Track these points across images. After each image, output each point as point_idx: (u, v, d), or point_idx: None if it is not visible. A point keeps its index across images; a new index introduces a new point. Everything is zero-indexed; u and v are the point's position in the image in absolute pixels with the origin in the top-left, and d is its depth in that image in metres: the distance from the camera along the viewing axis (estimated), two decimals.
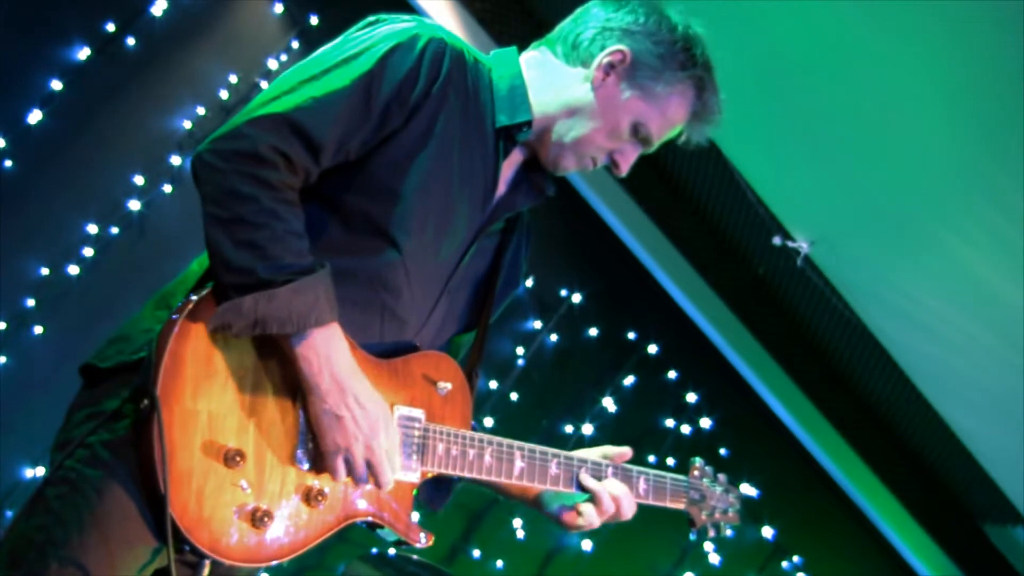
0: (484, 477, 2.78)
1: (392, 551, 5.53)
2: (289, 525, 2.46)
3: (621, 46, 2.77)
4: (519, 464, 2.85)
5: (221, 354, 2.36)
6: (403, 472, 2.62)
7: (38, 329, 5.62)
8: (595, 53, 2.79)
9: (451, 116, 2.65)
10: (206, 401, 2.33)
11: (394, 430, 2.54)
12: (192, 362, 2.32)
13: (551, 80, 2.83)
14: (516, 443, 2.85)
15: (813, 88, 5.22)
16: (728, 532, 3.37)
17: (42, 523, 2.35)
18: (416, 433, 2.66)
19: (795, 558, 6.99)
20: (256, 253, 2.30)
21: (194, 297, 2.36)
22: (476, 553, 6.50)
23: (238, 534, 2.37)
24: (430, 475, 2.71)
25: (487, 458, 2.78)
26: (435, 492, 2.99)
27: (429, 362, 2.73)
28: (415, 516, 2.74)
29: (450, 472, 2.72)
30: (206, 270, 2.51)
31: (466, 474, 2.75)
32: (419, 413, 2.67)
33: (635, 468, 3.09)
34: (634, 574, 6.84)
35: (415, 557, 4.81)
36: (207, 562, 2.42)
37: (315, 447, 2.49)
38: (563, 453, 2.94)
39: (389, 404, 2.60)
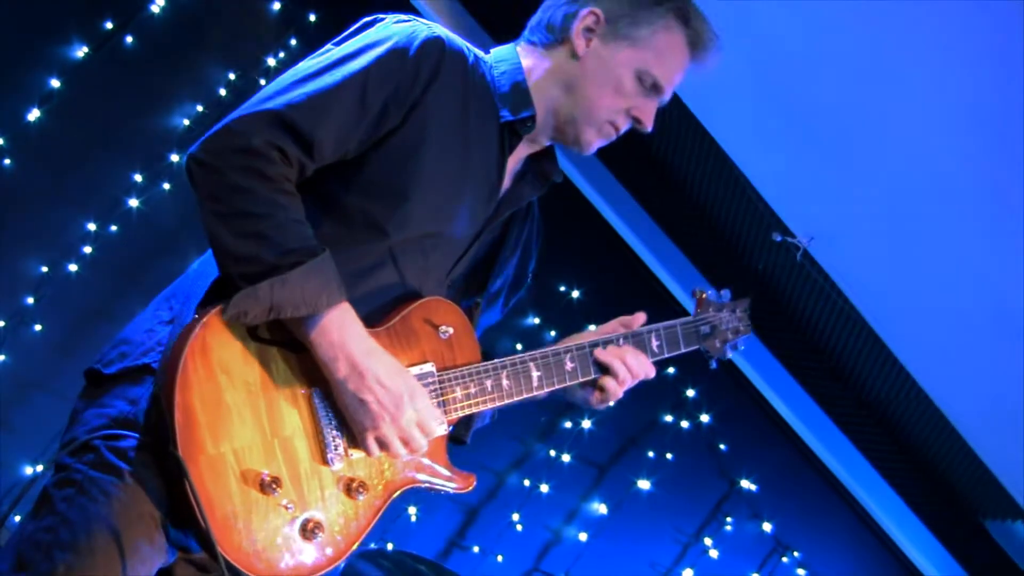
0: (507, 401, 2.81)
1: (390, 547, 5.56)
2: (339, 523, 2.51)
3: (591, 7, 2.80)
4: (536, 374, 2.88)
5: (227, 388, 2.37)
6: None
7: (37, 327, 5.62)
8: (570, 25, 2.81)
9: (450, 114, 2.66)
10: (228, 441, 2.35)
11: (422, 396, 2.54)
12: (202, 409, 2.33)
13: (541, 67, 2.84)
14: (527, 354, 2.88)
15: (812, 83, 5.22)
16: (742, 346, 3.42)
17: (49, 524, 2.36)
18: (432, 387, 2.67)
19: (795, 553, 6.99)
20: (261, 242, 2.31)
21: (181, 337, 2.36)
22: (475, 548, 6.51)
23: (294, 551, 2.42)
24: (458, 418, 2.76)
25: (504, 381, 2.80)
26: (459, 426, 3.00)
27: (426, 310, 2.73)
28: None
29: (474, 410, 2.76)
30: (209, 277, 2.53)
31: (489, 406, 2.78)
32: (429, 367, 2.69)
33: (645, 328, 3.13)
34: (634, 570, 6.85)
35: (415, 554, 4.81)
36: None
37: (342, 442, 2.52)
38: (575, 344, 2.98)
39: None
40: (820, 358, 6.85)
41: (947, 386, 6.31)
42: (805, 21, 4.95)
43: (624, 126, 2.90)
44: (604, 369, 3.00)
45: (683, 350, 3.24)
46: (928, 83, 4.77)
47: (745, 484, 6.93)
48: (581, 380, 2.97)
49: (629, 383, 3.03)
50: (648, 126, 2.90)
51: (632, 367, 3.01)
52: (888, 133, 5.12)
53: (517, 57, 2.87)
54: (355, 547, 2.54)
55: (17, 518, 4.99)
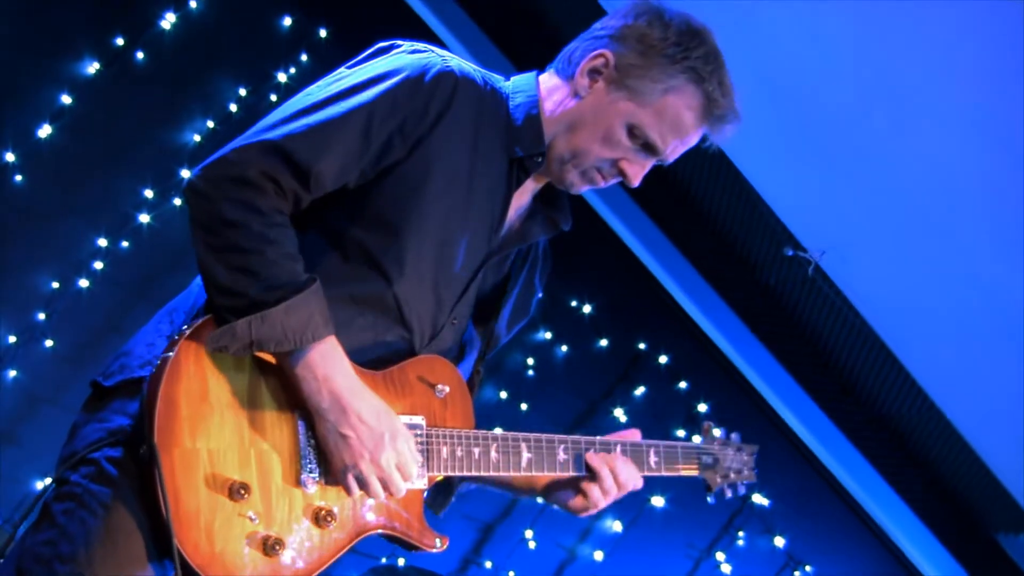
0: (492, 473, 2.78)
1: (402, 562, 5.53)
2: (302, 549, 2.47)
3: (603, 50, 2.71)
4: (526, 455, 2.84)
5: (215, 389, 2.37)
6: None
7: (48, 342, 5.63)
8: (579, 62, 2.75)
9: (458, 148, 2.63)
10: (205, 439, 2.34)
11: (404, 439, 2.53)
12: (186, 403, 2.33)
13: (554, 101, 2.79)
14: (521, 435, 2.84)
15: (825, 97, 5.21)
16: (742, 490, 3.37)
17: (49, 538, 2.36)
18: (419, 441, 2.65)
19: (808, 568, 6.97)
20: (249, 278, 2.32)
21: (184, 329, 2.38)
22: (488, 565, 6.49)
23: (252, 565, 2.39)
24: (439, 478, 2.72)
25: (493, 454, 2.77)
26: (436, 495, 2.99)
27: (424, 366, 2.72)
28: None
29: (457, 473, 2.73)
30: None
31: (473, 472, 2.75)
32: (419, 420, 2.67)
33: (645, 441, 3.07)
34: None
35: (426, 570, 4.80)
36: None
37: (318, 468, 2.50)
38: (570, 438, 2.92)
39: None
40: (832, 372, 6.84)
41: (959, 400, 6.30)
42: (819, 35, 4.95)
43: (611, 178, 2.81)
44: (593, 475, 2.94)
45: (681, 472, 3.20)
46: (942, 98, 4.77)
47: (757, 499, 6.91)
48: (571, 475, 2.93)
49: (614, 495, 2.95)
50: (632, 183, 2.80)
51: (620, 477, 2.93)
52: (901, 148, 5.12)
53: (535, 88, 2.80)
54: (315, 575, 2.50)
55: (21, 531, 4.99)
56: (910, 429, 6.81)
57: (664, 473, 3.11)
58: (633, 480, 2.95)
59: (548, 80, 2.84)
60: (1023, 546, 6.97)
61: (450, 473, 2.72)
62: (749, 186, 5.93)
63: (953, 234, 5.28)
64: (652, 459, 3.08)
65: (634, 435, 3.08)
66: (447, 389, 2.74)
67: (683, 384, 6.80)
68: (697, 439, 3.34)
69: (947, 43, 4.55)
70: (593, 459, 2.91)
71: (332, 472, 2.48)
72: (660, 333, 6.95)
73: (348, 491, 2.50)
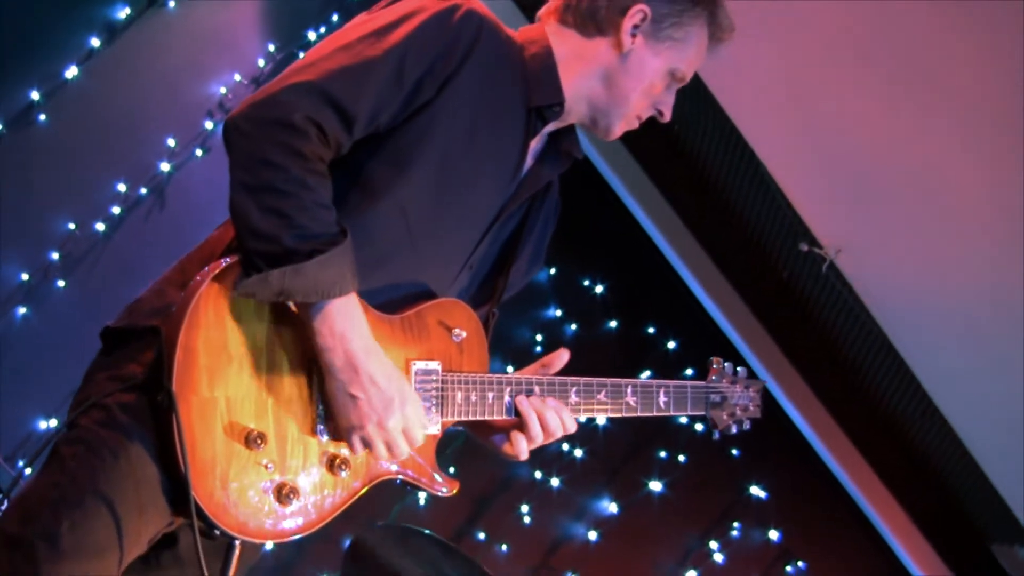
0: (507, 417, 2.79)
1: (400, 523, 5.55)
2: (315, 496, 2.50)
3: (640, 5, 2.77)
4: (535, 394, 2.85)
5: (233, 338, 2.37)
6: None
7: (61, 283, 5.65)
8: (616, 19, 2.78)
9: (482, 91, 2.64)
10: (223, 388, 2.35)
11: (413, 404, 2.53)
12: (205, 352, 2.33)
13: (577, 55, 2.82)
14: (535, 378, 2.84)
15: (847, 95, 5.20)
16: (748, 426, 3.35)
17: (56, 481, 2.36)
18: (435, 386, 2.66)
19: (799, 563, 6.98)
20: (283, 221, 2.29)
21: (204, 273, 2.37)
22: (481, 535, 6.51)
23: (266, 512, 2.41)
24: (451, 424, 2.72)
25: (506, 399, 2.79)
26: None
27: (442, 310, 2.73)
28: (451, 469, 2.78)
29: (470, 418, 2.74)
30: (226, 241, 2.53)
31: (484, 418, 2.76)
32: (436, 365, 2.68)
33: (656, 382, 3.05)
34: (637, 570, 6.84)
35: (426, 531, 4.81)
36: (238, 543, 2.45)
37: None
38: (581, 380, 2.91)
39: (405, 360, 2.62)
40: (837, 369, 6.83)
41: (963, 408, 6.29)
42: (842, 29, 4.93)
43: (646, 117, 2.93)
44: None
45: (688, 412, 3.18)
46: (970, 104, 4.74)
47: (755, 491, 6.92)
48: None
49: (539, 442, 2.83)
50: (668, 118, 2.93)
51: (548, 424, 2.81)
52: (926, 155, 5.09)
53: (547, 38, 2.83)
54: (322, 524, 2.52)
55: (28, 471, 5.01)
56: (912, 432, 6.80)
57: (673, 413, 3.10)
58: (566, 426, 2.83)
59: (559, 32, 2.85)
60: (1014, 555, 6.97)
61: (463, 418, 2.73)
62: (770, 177, 5.91)
63: (970, 244, 5.27)
64: (662, 400, 3.06)
65: (561, 356, 2.94)
66: (464, 334, 2.75)
67: (689, 371, 6.80)
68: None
69: (980, 44, 4.53)
70: (522, 404, 2.80)
71: (338, 430, 2.49)
72: (670, 319, 6.96)
73: (352, 450, 2.51)
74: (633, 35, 2.78)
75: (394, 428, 2.48)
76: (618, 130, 2.89)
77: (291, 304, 2.41)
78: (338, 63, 2.45)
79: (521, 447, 2.80)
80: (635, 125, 2.92)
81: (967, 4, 4.39)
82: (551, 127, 2.88)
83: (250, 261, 2.32)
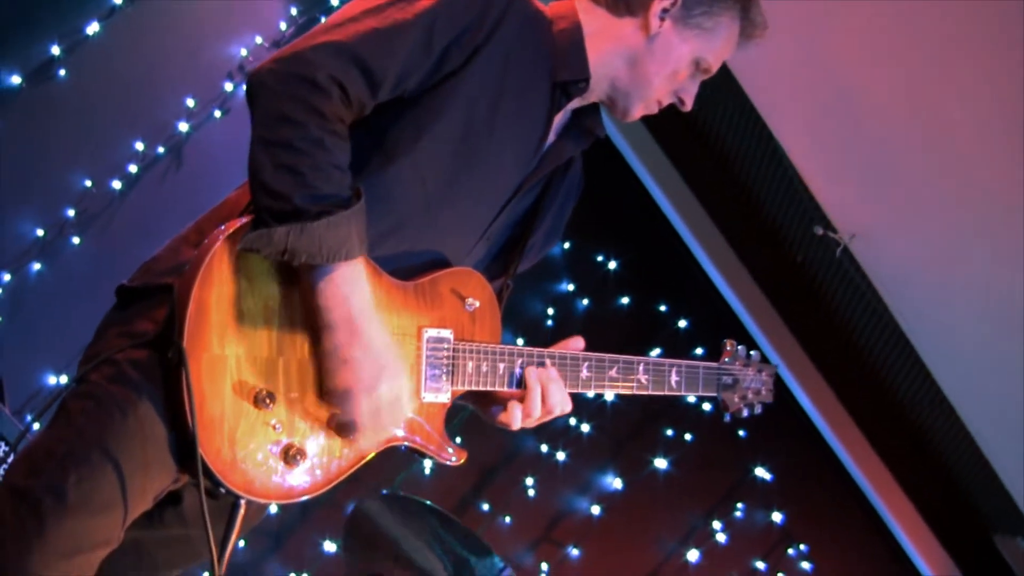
0: (511, 389, 2.77)
1: (401, 492, 5.56)
2: (323, 459, 2.49)
3: None
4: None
5: (246, 297, 2.36)
6: (433, 393, 2.64)
7: (75, 239, 5.65)
8: (647, 1, 2.78)
9: (509, 64, 2.63)
10: (233, 346, 2.35)
11: (403, 376, 2.52)
12: (217, 309, 2.33)
13: (605, 33, 2.81)
14: (547, 351, 2.83)
15: (869, 81, 5.18)
16: (759, 410, 3.33)
17: (64, 435, 2.36)
18: (446, 354, 2.66)
19: (801, 546, 6.99)
20: (295, 180, 2.28)
21: (220, 231, 2.36)
22: (485, 507, 6.53)
23: (272, 473, 2.41)
24: (460, 393, 2.72)
25: (516, 371, 2.78)
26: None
27: (456, 279, 2.72)
28: (458, 440, 2.77)
29: (480, 388, 2.73)
30: (243, 203, 2.52)
31: (494, 389, 2.75)
32: (447, 333, 2.67)
33: (668, 360, 3.04)
34: (639, 547, 6.86)
35: (427, 502, 4.82)
36: (243, 502, 2.45)
37: None
38: (593, 355, 2.91)
39: (418, 327, 2.62)
40: (847, 354, 6.83)
41: (971, 398, 6.29)
42: (867, 16, 4.91)
43: (666, 103, 2.92)
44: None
45: (700, 392, 3.16)
46: (989, 92, 4.72)
47: (760, 472, 6.93)
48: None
49: (534, 416, 2.79)
50: (689, 107, 2.92)
51: (550, 397, 2.79)
52: (945, 142, 5.08)
53: (576, 15, 2.83)
54: (328, 487, 2.52)
55: (36, 425, 5.03)
56: (919, 420, 6.80)
57: (683, 392, 3.08)
58: (563, 404, 2.82)
59: (590, 9, 2.85)
60: (1016, 547, 6.97)
61: (473, 388, 2.72)
62: (788, 159, 5.90)
63: (987, 235, 5.25)
64: (673, 379, 3.05)
65: (577, 342, 2.95)
66: (477, 303, 2.73)
67: (699, 351, 6.80)
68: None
69: (1006, 30, 4.51)
70: (530, 375, 2.79)
71: (325, 390, 2.47)
72: (682, 297, 6.96)
73: (340, 413, 2.48)
74: (662, 18, 2.77)
75: (380, 396, 2.47)
76: (636, 113, 2.88)
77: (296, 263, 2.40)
78: (368, 26, 2.44)
79: (515, 416, 2.78)
80: (654, 110, 2.91)
81: None
82: (575, 103, 2.88)
83: (259, 217, 2.31)
